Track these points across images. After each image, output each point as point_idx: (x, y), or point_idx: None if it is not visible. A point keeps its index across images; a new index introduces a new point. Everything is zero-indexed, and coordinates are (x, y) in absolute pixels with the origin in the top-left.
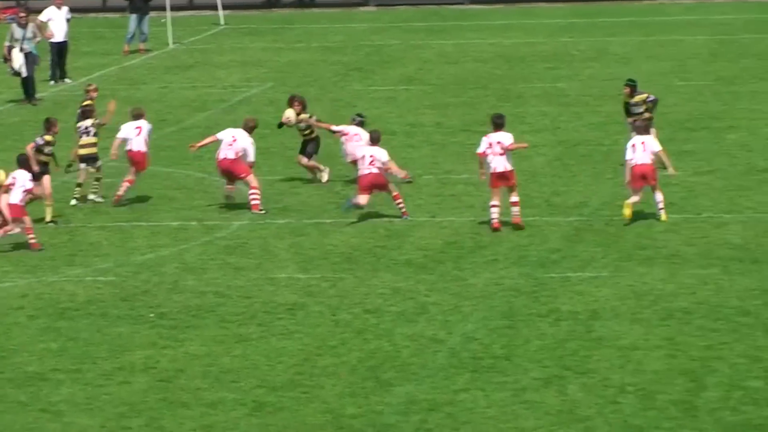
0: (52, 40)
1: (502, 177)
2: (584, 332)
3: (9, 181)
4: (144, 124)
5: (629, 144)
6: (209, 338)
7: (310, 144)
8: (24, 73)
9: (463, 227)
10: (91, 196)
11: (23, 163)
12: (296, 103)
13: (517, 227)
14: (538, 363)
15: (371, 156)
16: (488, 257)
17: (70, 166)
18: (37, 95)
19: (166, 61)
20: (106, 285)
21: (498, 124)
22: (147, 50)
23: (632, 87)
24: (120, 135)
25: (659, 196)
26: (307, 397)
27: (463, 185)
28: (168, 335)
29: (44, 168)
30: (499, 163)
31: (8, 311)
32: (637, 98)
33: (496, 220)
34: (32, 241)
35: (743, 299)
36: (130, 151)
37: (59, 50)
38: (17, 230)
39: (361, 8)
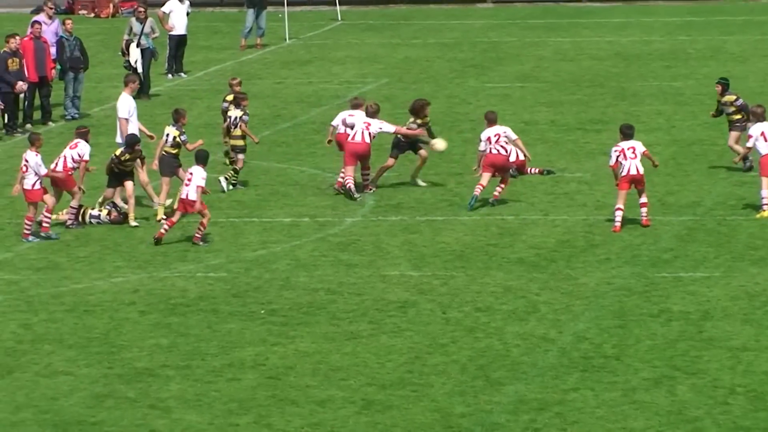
0: (172, 32)
1: (634, 180)
2: (695, 333)
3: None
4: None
5: (755, 133)
6: (319, 335)
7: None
8: (140, 69)
9: (576, 226)
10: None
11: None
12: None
13: (645, 227)
14: (648, 363)
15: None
16: (600, 256)
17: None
18: (152, 90)
19: (283, 56)
20: (217, 281)
21: (627, 135)
22: (264, 45)
23: (724, 85)
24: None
25: (765, 192)
26: (416, 395)
27: (576, 183)
28: (278, 332)
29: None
30: (632, 166)
31: (119, 306)
32: (726, 98)
33: (617, 226)
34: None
35: None
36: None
37: (178, 43)
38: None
39: (479, 5)
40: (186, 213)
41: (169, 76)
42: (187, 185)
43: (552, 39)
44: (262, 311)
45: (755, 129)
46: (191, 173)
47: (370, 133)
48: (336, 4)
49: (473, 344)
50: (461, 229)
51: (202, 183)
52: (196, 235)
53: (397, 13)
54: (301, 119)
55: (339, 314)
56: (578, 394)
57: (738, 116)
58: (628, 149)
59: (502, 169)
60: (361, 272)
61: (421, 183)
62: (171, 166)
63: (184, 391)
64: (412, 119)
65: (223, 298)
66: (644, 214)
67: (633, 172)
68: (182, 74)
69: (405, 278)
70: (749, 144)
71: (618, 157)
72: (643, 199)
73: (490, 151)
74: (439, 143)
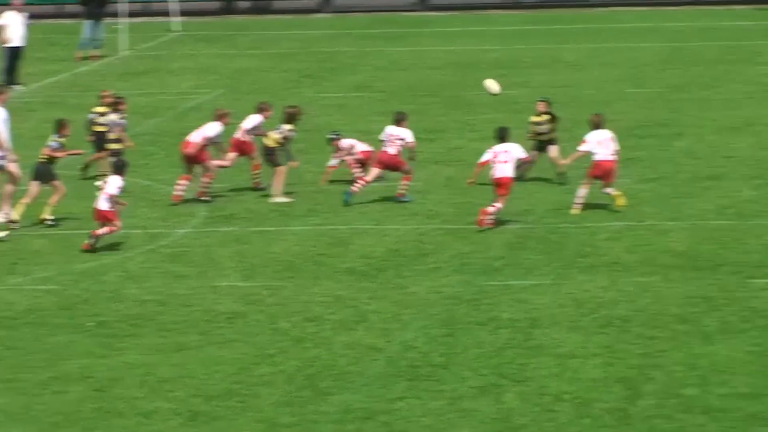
0: (8, 44)
1: (501, 183)
2: (523, 340)
3: None
4: None
5: (592, 140)
6: (148, 347)
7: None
8: None
9: (407, 235)
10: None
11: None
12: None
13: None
14: (475, 371)
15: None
16: (430, 265)
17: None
18: None
19: (119, 68)
20: (46, 293)
21: (501, 138)
22: (101, 56)
23: (546, 103)
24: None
25: (583, 192)
26: (243, 406)
27: (408, 192)
28: (106, 344)
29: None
30: (500, 170)
31: None
32: (540, 118)
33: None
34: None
35: (682, 307)
36: None
37: (15, 55)
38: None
39: (317, 15)
40: (103, 222)
41: None
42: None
43: (389, 49)
44: (91, 324)
45: (592, 136)
46: (105, 183)
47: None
48: (173, 16)
49: (301, 354)
50: (292, 239)
51: (115, 192)
52: (92, 240)
53: (234, 23)
54: (136, 130)
55: (168, 325)
56: (405, 403)
57: (553, 132)
58: (502, 153)
59: (393, 167)
60: (190, 283)
61: (281, 199)
62: (45, 174)
63: (9, 405)
64: (284, 127)
65: (52, 310)
66: (489, 216)
67: (499, 175)
68: (18, 86)
69: (234, 289)
70: (583, 148)
71: (491, 157)
72: (499, 204)
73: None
74: (492, 85)
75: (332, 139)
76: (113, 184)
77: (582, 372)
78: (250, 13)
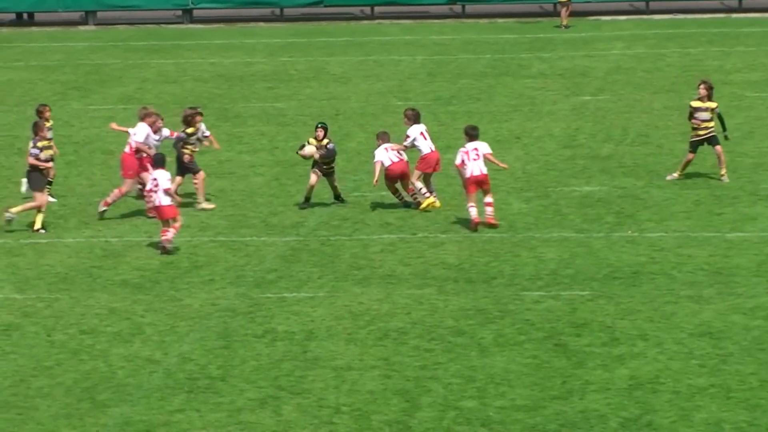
0: None
1: (478, 181)
2: (300, 353)
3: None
4: None
5: (414, 134)
6: None
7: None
8: None
9: (180, 247)
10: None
11: None
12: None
13: (492, 226)
14: (253, 384)
15: None
16: (205, 277)
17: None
18: None
19: None
20: None
21: (472, 135)
22: None
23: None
24: None
25: (419, 185)
26: (21, 418)
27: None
28: None
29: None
30: (476, 168)
31: None
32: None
33: (476, 217)
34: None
35: (457, 319)
36: None
37: None
38: None
39: (81, 27)
40: (165, 220)
41: None
42: (153, 192)
43: (155, 61)
44: None
45: (413, 130)
46: (155, 179)
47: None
48: None
49: (78, 367)
50: (65, 252)
51: (169, 185)
52: (166, 241)
53: None
54: None
55: None
56: (184, 416)
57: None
58: (472, 150)
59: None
60: None
61: (206, 206)
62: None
63: None
64: (183, 128)
65: None
66: (490, 213)
67: (476, 173)
68: None
69: (9, 301)
70: (407, 143)
71: (463, 158)
72: (489, 199)
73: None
74: (308, 149)
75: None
76: (164, 178)
77: (360, 384)
78: (13, 25)
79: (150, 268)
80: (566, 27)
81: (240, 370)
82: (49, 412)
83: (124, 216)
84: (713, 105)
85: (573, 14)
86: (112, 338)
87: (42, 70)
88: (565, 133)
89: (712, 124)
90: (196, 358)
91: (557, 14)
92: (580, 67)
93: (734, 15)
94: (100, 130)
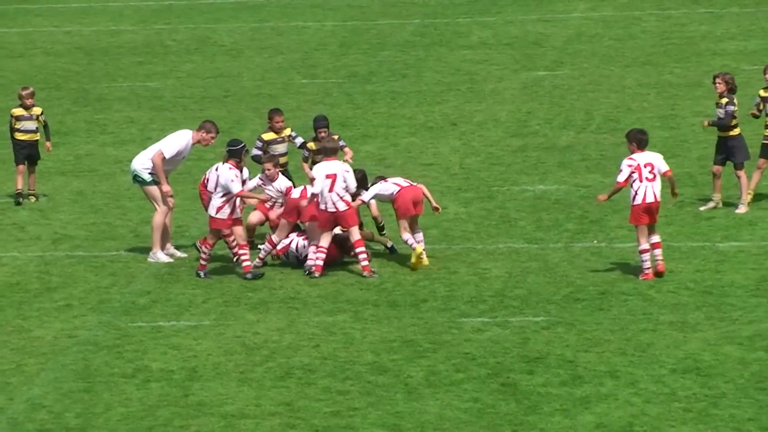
0: None
1: (651, 210)
2: (180, 396)
3: None
4: None
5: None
6: None
7: None
8: None
9: (29, 265)
10: None
11: None
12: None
13: (661, 275)
14: None
15: None
16: (60, 302)
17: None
18: None
19: None
20: None
21: (642, 142)
22: None
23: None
24: None
25: None
26: None
27: (28, 212)
28: None
29: None
30: (649, 192)
31: None
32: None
33: (649, 272)
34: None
35: (378, 353)
36: None
37: None
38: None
39: None
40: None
41: None
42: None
43: None
44: None
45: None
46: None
47: None
48: None
49: None
50: None
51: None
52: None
53: None
54: None
55: None
56: None
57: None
58: (645, 166)
59: None
60: None
61: None
62: None
63: None
64: None
65: None
66: (660, 258)
67: (650, 199)
68: None
69: None
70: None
71: (632, 174)
72: (656, 238)
73: None
74: None
75: None
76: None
77: None
78: None
79: None
80: None
81: (104, 419)
82: None
83: None
84: None
85: None
86: None
87: None
88: (513, 118)
89: None
90: (49, 405)
91: None
92: (533, 35)
93: None
94: None
